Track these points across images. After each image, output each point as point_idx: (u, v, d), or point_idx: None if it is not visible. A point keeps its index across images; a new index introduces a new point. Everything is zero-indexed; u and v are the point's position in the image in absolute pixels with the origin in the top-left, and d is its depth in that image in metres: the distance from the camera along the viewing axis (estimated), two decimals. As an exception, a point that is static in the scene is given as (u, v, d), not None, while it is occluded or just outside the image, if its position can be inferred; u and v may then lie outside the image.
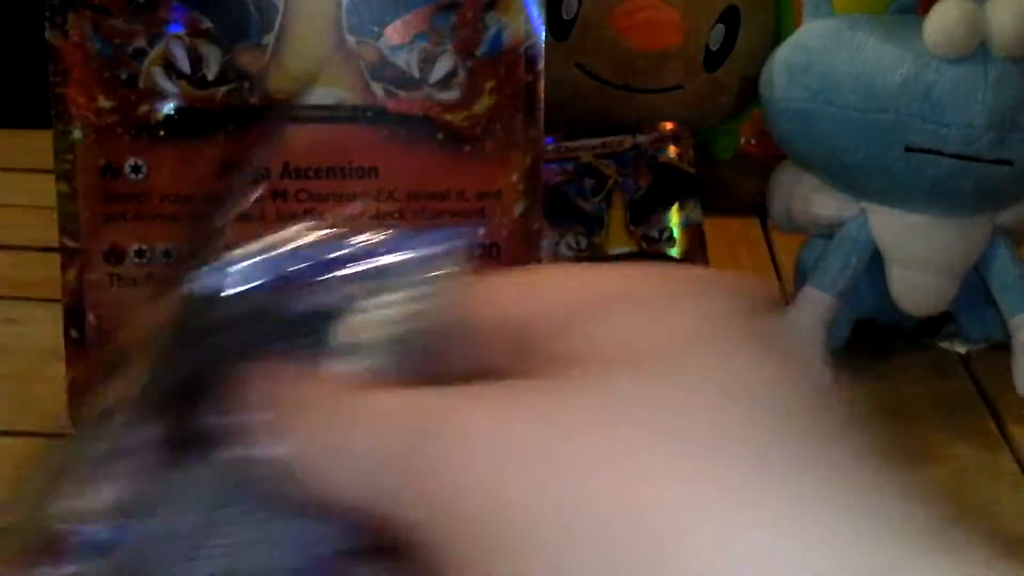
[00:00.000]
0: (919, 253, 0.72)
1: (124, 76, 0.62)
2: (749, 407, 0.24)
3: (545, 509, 0.22)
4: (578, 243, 0.73)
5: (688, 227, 0.74)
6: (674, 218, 0.74)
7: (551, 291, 0.27)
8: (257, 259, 0.30)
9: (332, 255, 0.29)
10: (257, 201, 0.64)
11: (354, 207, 0.64)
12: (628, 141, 0.74)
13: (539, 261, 0.66)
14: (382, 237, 0.29)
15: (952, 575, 0.22)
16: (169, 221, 0.64)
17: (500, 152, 0.65)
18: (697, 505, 0.21)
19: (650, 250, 0.74)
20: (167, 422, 0.28)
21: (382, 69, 0.63)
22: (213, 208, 0.31)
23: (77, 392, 0.66)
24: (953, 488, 0.64)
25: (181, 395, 0.28)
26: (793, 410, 0.24)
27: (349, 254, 0.29)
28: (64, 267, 0.64)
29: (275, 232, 0.30)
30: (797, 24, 0.74)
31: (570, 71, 0.76)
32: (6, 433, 0.67)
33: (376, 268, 0.29)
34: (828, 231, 0.76)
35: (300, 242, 0.30)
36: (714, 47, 0.75)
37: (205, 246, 0.30)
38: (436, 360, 0.28)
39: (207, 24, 0.62)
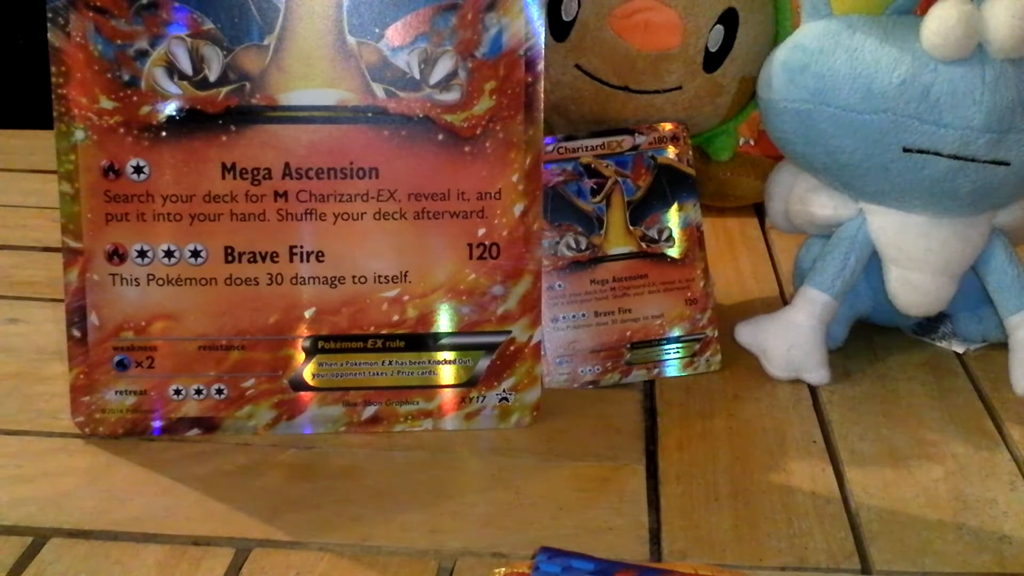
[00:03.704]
0: (917, 253, 0.72)
1: (126, 77, 0.63)
2: None
3: None
4: (578, 243, 0.73)
5: (687, 227, 0.74)
6: (673, 218, 0.74)
7: None
8: None
9: None
10: (258, 201, 0.64)
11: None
12: (628, 142, 0.74)
13: (539, 261, 0.67)
14: None
15: None
16: (171, 221, 0.64)
17: (500, 152, 0.65)
18: None
19: (649, 250, 0.74)
20: None
21: (383, 70, 0.64)
22: None
23: (79, 392, 0.66)
24: (951, 487, 0.64)
25: None
26: None
27: None
28: (66, 267, 0.65)
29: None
30: (795, 25, 0.75)
31: (569, 72, 0.76)
32: (8, 432, 0.67)
33: None
34: (826, 231, 0.76)
35: None
36: (713, 48, 0.75)
37: None
38: None
39: (209, 25, 0.63)
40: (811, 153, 0.72)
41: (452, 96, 0.64)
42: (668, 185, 0.74)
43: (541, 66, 0.64)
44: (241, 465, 0.65)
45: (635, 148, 0.74)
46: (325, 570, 0.57)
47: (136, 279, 0.65)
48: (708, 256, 0.75)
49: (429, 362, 0.67)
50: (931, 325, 0.81)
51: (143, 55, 0.63)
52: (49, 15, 0.62)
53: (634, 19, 0.74)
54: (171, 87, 0.63)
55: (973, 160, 0.68)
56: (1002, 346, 0.76)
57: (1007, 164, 0.68)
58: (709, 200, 0.95)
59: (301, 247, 0.65)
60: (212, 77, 0.63)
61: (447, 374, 0.68)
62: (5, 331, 0.79)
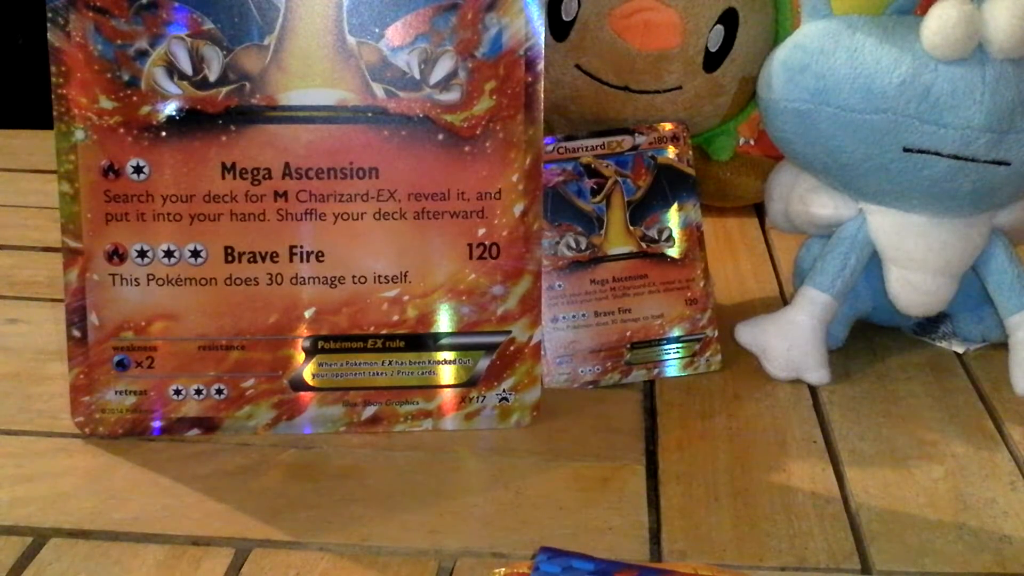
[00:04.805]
0: (917, 253, 0.72)
1: (126, 77, 0.63)
2: None
3: None
4: (578, 243, 0.73)
5: (687, 227, 0.74)
6: (673, 218, 0.74)
7: None
8: None
9: None
10: (258, 201, 0.64)
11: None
12: (628, 142, 0.74)
13: (539, 261, 0.67)
14: None
15: None
16: (171, 221, 0.64)
17: (500, 152, 0.65)
18: None
19: (649, 250, 0.74)
20: None
21: (383, 70, 0.64)
22: None
23: (79, 392, 0.66)
24: (951, 487, 0.64)
25: None
26: None
27: None
28: (66, 267, 0.65)
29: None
30: (796, 25, 0.75)
31: (569, 72, 0.76)
32: (8, 432, 0.67)
33: None
34: (826, 231, 0.76)
35: None
36: (713, 48, 0.75)
37: None
38: None
39: (209, 25, 0.63)
40: (811, 153, 0.72)
41: (452, 96, 0.64)
42: (668, 185, 0.74)
43: (541, 66, 0.64)
44: (241, 465, 0.65)
45: (635, 148, 0.74)
46: (325, 570, 0.57)
47: (136, 279, 0.65)
48: (708, 256, 0.75)
49: (429, 362, 0.67)
50: (931, 325, 0.81)
51: (143, 55, 0.63)
52: (49, 15, 0.62)
53: (634, 19, 0.74)
54: (171, 87, 0.63)
55: (973, 160, 0.68)
56: (1002, 346, 0.76)
57: (1007, 164, 0.68)
58: (709, 200, 0.95)
59: (301, 247, 0.65)
60: (212, 77, 0.63)
61: (447, 374, 0.68)
62: (5, 331, 0.79)
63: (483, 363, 0.68)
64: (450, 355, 0.67)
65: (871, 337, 0.80)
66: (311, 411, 0.67)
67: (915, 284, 0.73)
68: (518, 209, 0.66)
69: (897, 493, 0.64)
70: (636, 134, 0.74)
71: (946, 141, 0.68)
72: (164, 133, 0.63)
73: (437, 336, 0.67)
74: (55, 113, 0.63)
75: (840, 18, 0.71)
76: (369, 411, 0.68)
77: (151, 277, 0.65)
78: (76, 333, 0.65)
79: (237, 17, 0.62)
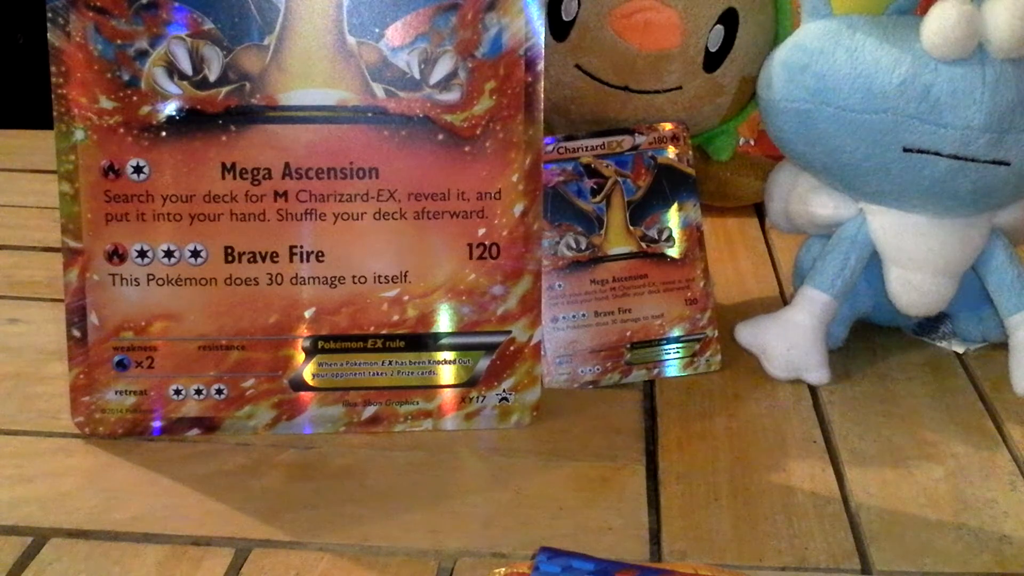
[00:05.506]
0: (917, 253, 0.72)
1: (126, 77, 0.63)
2: None
3: None
4: (578, 243, 0.73)
5: (687, 227, 0.74)
6: (673, 218, 0.74)
7: None
8: None
9: None
10: (258, 201, 0.64)
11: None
12: (628, 142, 0.74)
13: (539, 261, 0.67)
14: None
15: None
16: (171, 221, 0.64)
17: (500, 152, 0.65)
18: None
19: (649, 250, 0.74)
20: None
21: (383, 70, 0.64)
22: None
23: (79, 392, 0.66)
24: (951, 487, 0.64)
25: None
26: None
27: None
28: (66, 267, 0.65)
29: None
30: (796, 25, 0.75)
31: (569, 72, 0.76)
32: (8, 432, 0.67)
33: None
34: (826, 231, 0.76)
35: None
36: (713, 48, 0.75)
37: None
38: None
39: (209, 25, 0.63)
40: (811, 153, 0.72)
41: (452, 96, 0.64)
42: (668, 185, 0.74)
43: (541, 66, 0.64)
44: (241, 465, 0.65)
45: (635, 148, 0.74)
46: (325, 570, 0.57)
47: (136, 279, 0.65)
48: (708, 256, 0.75)
49: (429, 362, 0.67)
50: (931, 325, 0.81)
51: (143, 55, 0.63)
52: (49, 15, 0.62)
53: (634, 19, 0.74)
54: (171, 87, 0.63)
55: (973, 160, 0.68)
56: (1002, 346, 0.76)
57: (1007, 164, 0.68)
58: (709, 200, 0.95)
59: (301, 247, 0.65)
60: (212, 77, 0.63)
61: (447, 374, 0.68)
62: (5, 331, 0.79)
63: (483, 363, 0.68)
64: (450, 355, 0.67)
65: (871, 337, 0.80)
66: (311, 411, 0.67)
67: (915, 284, 0.73)
68: (518, 209, 0.66)
69: (897, 493, 0.64)
70: (636, 134, 0.74)
71: (946, 141, 0.68)
72: (164, 133, 0.63)
73: (437, 336, 0.67)
74: (55, 113, 0.63)
75: (840, 18, 0.71)
76: (369, 411, 0.68)
77: (151, 277, 0.65)
78: (76, 333, 0.65)
79: (237, 17, 0.62)
